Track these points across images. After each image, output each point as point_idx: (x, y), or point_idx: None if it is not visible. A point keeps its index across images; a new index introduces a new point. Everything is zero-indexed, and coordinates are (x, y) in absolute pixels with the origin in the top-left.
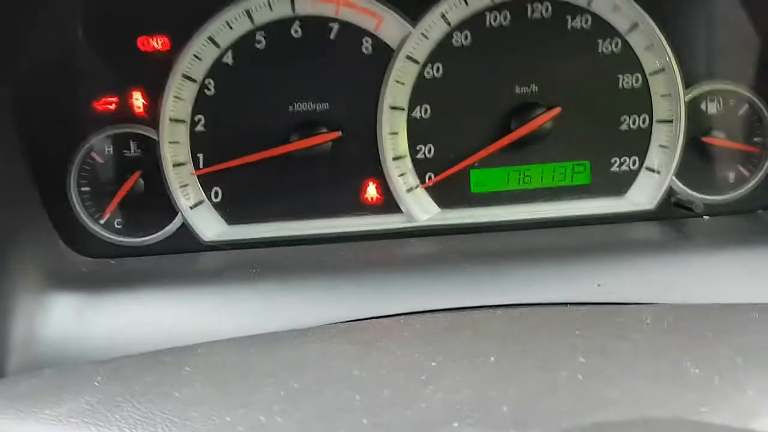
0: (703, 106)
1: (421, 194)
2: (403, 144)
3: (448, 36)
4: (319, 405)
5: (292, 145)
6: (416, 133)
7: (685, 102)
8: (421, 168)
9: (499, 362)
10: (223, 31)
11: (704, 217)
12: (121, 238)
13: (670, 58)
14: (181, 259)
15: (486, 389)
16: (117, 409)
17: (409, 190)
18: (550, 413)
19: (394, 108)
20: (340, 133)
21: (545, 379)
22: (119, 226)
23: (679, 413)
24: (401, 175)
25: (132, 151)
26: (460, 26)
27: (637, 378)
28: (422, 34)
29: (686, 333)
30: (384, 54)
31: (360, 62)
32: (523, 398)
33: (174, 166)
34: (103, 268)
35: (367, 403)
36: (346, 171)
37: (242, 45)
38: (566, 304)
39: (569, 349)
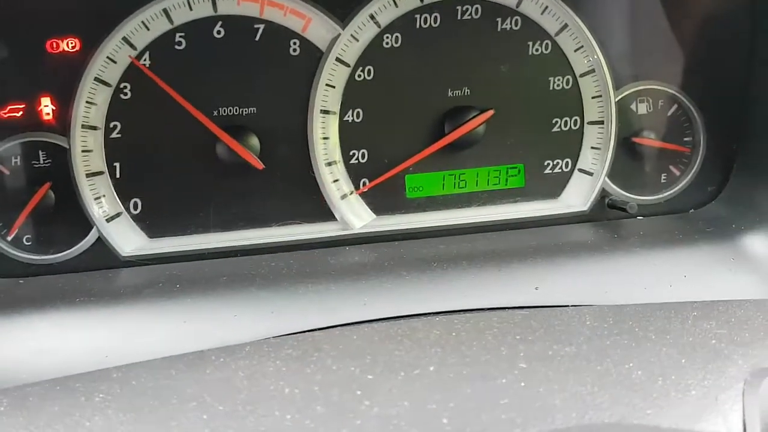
0: (633, 107)
1: (356, 201)
2: (335, 149)
3: (379, 37)
4: (246, 428)
5: (220, 132)
6: (349, 137)
7: (615, 103)
8: (354, 174)
9: (438, 372)
10: (139, 31)
11: (638, 217)
12: (30, 256)
13: (599, 59)
14: (97, 277)
15: (425, 401)
16: None
17: (343, 196)
18: (492, 424)
19: (325, 112)
20: (262, 167)
21: (486, 388)
22: (28, 243)
23: (623, 417)
24: (334, 181)
25: (41, 161)
26: (390, 27)
27: (581, 383)
28: (352, 35)
29: (629, 335)
30: (313, 56)
31: (288, 65)
32: (464, 409)
33: (87, 176)
34: (11, 288)
35: (299, 422)
36: (276, 178)
37: (160, 46)
38: (504, 308)
39: (510, 355)
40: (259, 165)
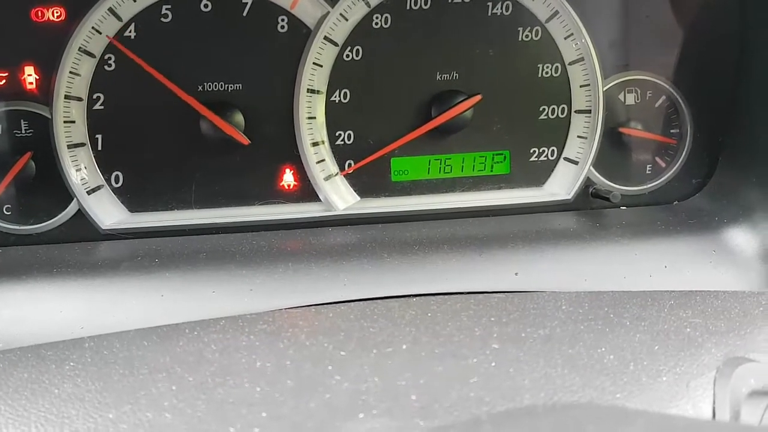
0: (621, 97)
1: (340, 182)
2: (321, 129)
3: (368, 17)
4: (215, 399)
5: (204, 109)
6: (335, 118)
7: (603, 92)
8: (340, 155)
9: (410, 350)
10: (125, 2)
11: (621, 207)
12: (9, 226)
13: (588, 48)
14: (76, 249)
15: (395, 378)
16: None
17: (328, 177)
18: (460, 401)
19: (311, 91)
20: (248, 143)
21: (457, 367)
22: (8, 213)
23: (593, 400)
24: (319, 161)
25: (23, 130)
26: (380, 8)
27: (552, 365)
28: (341, 14)
29: (603, 320)
30: (301, 34)
31: (275, 42)
32: (434, 387)
33: (69, 147)
34: None
35: (268, 395)
36: (260, 156)
37: (146, 18)
38: (483, 292)
39: (483, 336)
40: (245, 140)
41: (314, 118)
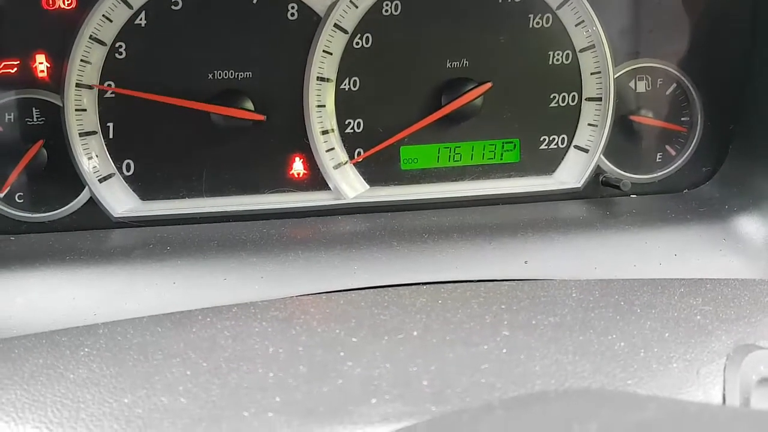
0: (632, 85)
1: (350, 170)
2: (331, 117)
3: (378, 4)
4: (228, 384)
5: (211, 107)
6: (345, 106)
7: (613, 79)
8: (349, 143)
9: (422, 337)
10: None
11: (631, 195)
12: (22, 214)
13: (599, 35)
14: (88, 236)
15: (407, 364)
16: (2, 393)
17: (337, 166)
18: (472, 387)
19: (321, 79)
20: (264, 118)
21: (468, 354)
22: (20, 201)
23: (604, 386)
24: (329, 150)
25: (34, 118)
26: None
27: (562, 351)
28: (351, 1)
29: (614, 308)
30: (311, 21)
31: (285, 29)
32: (445, 373)
33: (81, 135)
34: (1, 245)
35: (281, 380)
36: (270, 145)
37: (157, 6)
38: (493, 280)
39: (494, 323)
40: (260, 116)
41: (324, 106)
